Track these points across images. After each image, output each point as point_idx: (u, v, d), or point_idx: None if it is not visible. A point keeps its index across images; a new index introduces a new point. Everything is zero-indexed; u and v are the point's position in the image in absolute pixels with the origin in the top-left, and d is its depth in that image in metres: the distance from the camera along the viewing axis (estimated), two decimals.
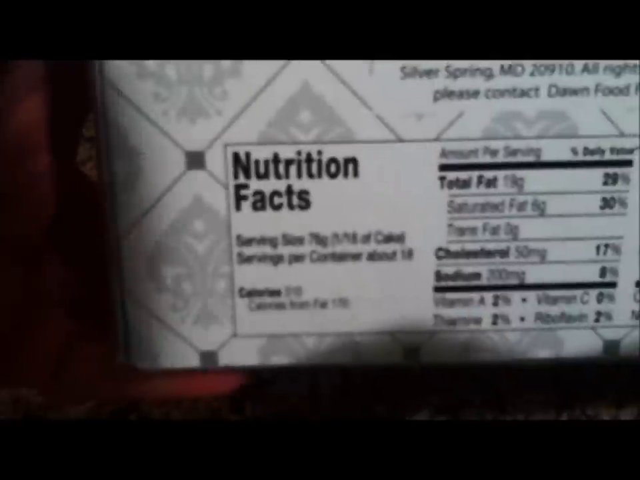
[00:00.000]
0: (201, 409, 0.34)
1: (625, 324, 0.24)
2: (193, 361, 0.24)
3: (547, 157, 0.22)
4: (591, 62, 0.21)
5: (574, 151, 0.22)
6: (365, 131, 0.22)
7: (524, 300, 0.24)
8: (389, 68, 0.21)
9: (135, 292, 0.23)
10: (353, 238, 0.23)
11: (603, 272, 0.23)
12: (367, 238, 0.23)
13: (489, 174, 0.22)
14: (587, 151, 0.22)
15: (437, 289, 0.24)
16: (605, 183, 0.22)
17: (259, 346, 0.24)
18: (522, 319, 0.24)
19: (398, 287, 0.24)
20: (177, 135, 0.21)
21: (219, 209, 0.22)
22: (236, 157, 0.22)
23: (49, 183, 0.23)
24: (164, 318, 0.23)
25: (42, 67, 0.22)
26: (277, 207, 0.23)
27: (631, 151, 0.22)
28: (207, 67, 0.21)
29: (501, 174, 0.22)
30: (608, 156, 0.22)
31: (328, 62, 0.21)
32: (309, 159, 0.22)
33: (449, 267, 0.23)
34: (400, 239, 0.23)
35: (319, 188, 0.22)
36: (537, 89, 0.22)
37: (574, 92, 0.22)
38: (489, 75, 0.21)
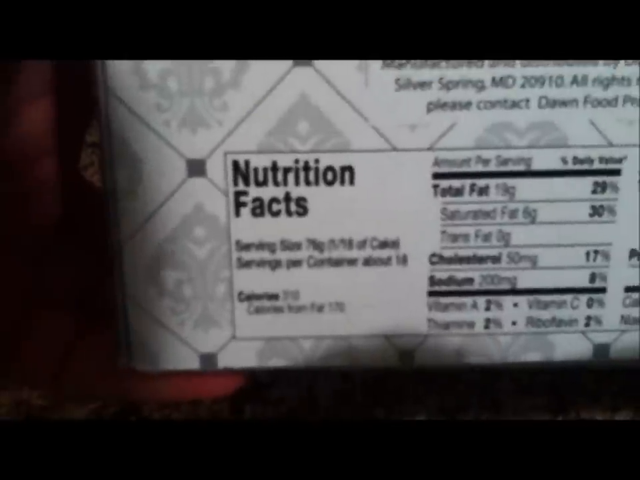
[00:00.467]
0: (201, 412, 0.35)
1: (615, 328, 0.25)
2: (193, 363, 0.24)
3: (537, 166, 0.23)
4: (580, 74, 0.22)
5: (564, 161, 0.23)
6: (361, 141, 0.23)
7: (515, 305, 0.24)
8: (384, 80, 0.22)
9: (136, 295, 0.24)
10: (349, 244, 0.23)
11: (592, 277, 0.24)
12: (362, 244, 0.23)
13: (481, 182, 0.23)
14: (576, 160, 0.23)
15: (431, 294, 0.24)
16: (594, 192, 0.23)
17: (257, 349, 0.24)
18: (514, 323, 0.25)
19: (393, 291, 0.24)
20: (178, 144, 0.22)
21: (219, 215, 0.23)
22: (236, 165, 0.22)
23: (52, 187, 0.23)
24: (165, 321, 0.24)
25: (46, 74, 0.22)
26: (276, 214, 0.23)
27: (619, 161, 0.23)
28: (208, 79, 0.22)
29: (492, 182, 0.23)
30: (597, 165, 0.23)
31: (325, 74, 0.22)
32: (307, 167, 0.23)
33: (443, 272, 0.24)
34: (395, 244, 0.23)
35: (316, 195, 0.23)
36: (527, 101, 0.22)
37: (563, 103, 0.22)
38: (480, 86, 0.22)
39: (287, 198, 0.23)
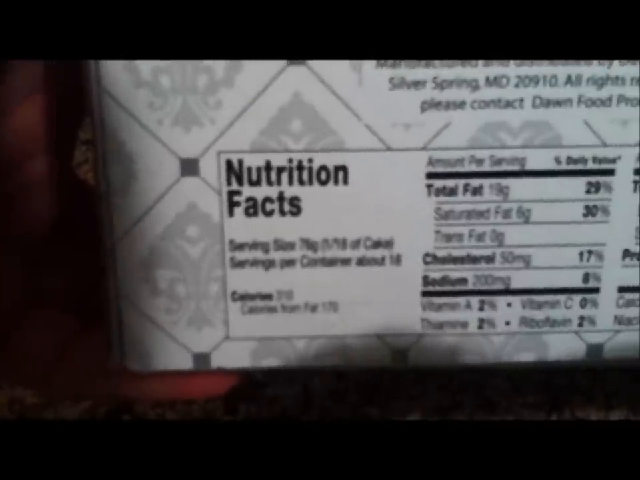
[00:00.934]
0: (195, 411, 0.35)
1: (608, 328, 0.25)
2: (186, 363, 0.24)
3: (531, 165, 0.23)
4: (574, 74, 0.22)
5: (557, 160, 0.23)
6: (355, 140, 0.23)
7: (509, 305, 0.24)
8: (378, 79, 0.22)
9: (129, 294, 0.24)
10: (342, 243, 0.23)
11: (586, 278, 0.24)
12: (356, 243, 0.23)
13: (475, 182, 0.23)
14: (570, 160, 0.23)
15: (425, 294, 0.24)
16: (588, 192, 0.23)
17: (250, 348, 0.24)
18: (507, 323, 0.25)
19: (386, 291, 0.24)
20: (171, 143, 0.22)
21: (212, 215, 0.23)
22: (229, 164, 0.22)
23: (46, 186, 0.23)
24: (158, 320, 0.24)
25: (39, 72, 0.22)
26: (269, 213, 0.23)
27: (613, 161, 0.23)
28: (201, 77, 0.22)
29: (486, 182, 0.23)
30: (590, 165, 0.23)
31: (319, 73, 0.22)
32: (300, 167, 0.23)
33: (436, 272, 0.24)
34: (388, 244, 0.23)
35: (310, 195, 0.23)
36: (521, 100, 0.22)
37: (557, 103, 0.22)
38: (474, 86, 0.22)
39: (281, 197, 0.23)
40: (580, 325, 0.25)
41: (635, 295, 0.25)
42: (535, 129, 0.23)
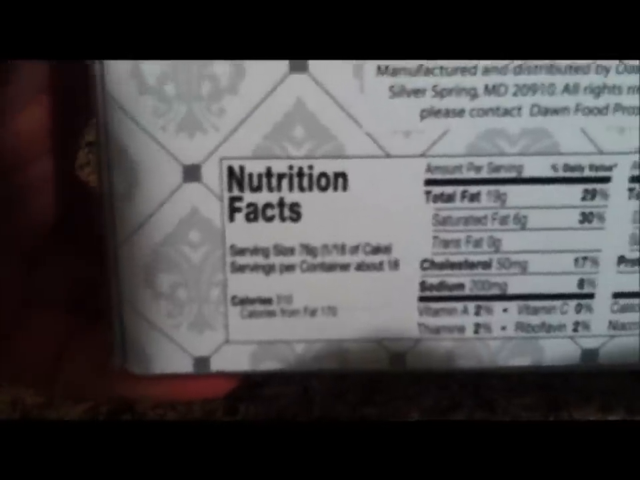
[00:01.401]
0: (195, 412, 0.35)
1: (603, 333, 0.25)
2: (186, 366, 0.25)
3: (528, 173, 0.23)
4: (571, 82, 0.22)
5: (554, 168, 0.23)
6: (355, 147, 0.23)
7: (505, 310, 0.25)
8: (379, 87, 0.22)
9: (131, 298, 0.24)
10: (341, 249, 0.24)
11: (581, 283, 0.24)
12: (355, 249, 0.24)
13: (472, 189, 0.23)
14: (567, 167, 0.23)
15: (422, 299, 0.25)
16: (584, 199, 0.23)
17: (250, 352, 0.25)
18: (503, 328, 0.25)
19: (385, 296, 0.25)
20: (174, 149, 0.22)
21: (214, 220, 0.23)
22: (230, 170, 0.23)
23: (49, 188, 0.24)
24: (159, 324, 0.24)
25: (44, 75, 0.23)
26: (269, 219, 0.24)
27: (609, 168, 0.23)
28: (205, 84, 0.22)
29: (484, 189, 0.23)
30: (587, 173, 0.23)
31: (320, 80, 0.22)
32: (301, 173, 0.23)
33: (434, 278, 0.24)
34: (387, 250, 0.24)
35: (310, 201, 0.23)
36: (519, 108, 0.23)
37: (555, 111, 0.23)
38: (473, 94, 0.22)
39: (281, 203, 0.23)
40: (575, 330, 0.25)
41: (630, 301, 0.25)
42: (533, 137, 0.23)
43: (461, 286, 0.25)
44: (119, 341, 0.24)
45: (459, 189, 0.24)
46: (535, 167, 0.24)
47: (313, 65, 0.23)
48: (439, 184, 0.23)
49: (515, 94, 0.23)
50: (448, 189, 0.24)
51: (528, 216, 0.24)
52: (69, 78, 0.23)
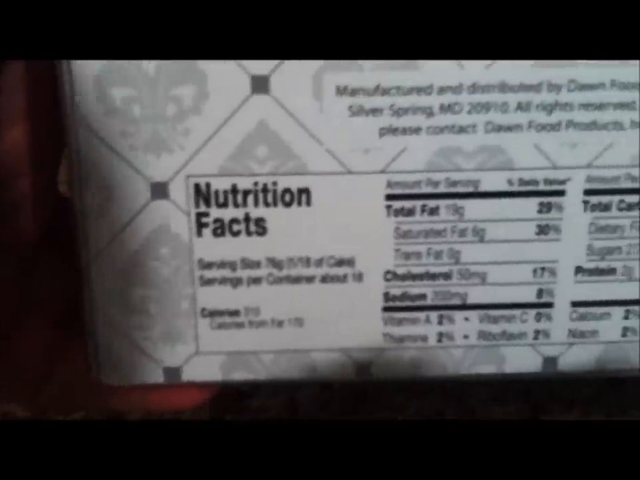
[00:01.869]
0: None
1: (562, 341, 0.26)
2: (158, 377, 0.25)
3: (484, 187, 0.24)
4: (524, 101, 0.23)
5: (510, 182, 0.24)
6: (317, 164, 0.24)
7: (467, 319, 0.26)
8: (338, 107, 0.23)
9: (104, 311, 0.25)
10: (306, 262, 0.25)
11: (539, 293, 0.25)
12: (319, 262, 0.25)
13: (431, 203, 0.24)
14: (522, 182, 0.24)
15: (386, 309, 0.25)
16: (540, 211, 0.24)
17: (220, 363, 0.26)
18: (465, 337, 0.26)
19: (349, 307, 0.25)
20: (142, 168, 0.23)
21: (182, 235, 0.24)
22: (197, 187, 0.24)
23: (32, 203, 0.25)
24: (131, 336, 0.25)
25: (28, 93, 0.23)
26: (236, 234, 0.24)
27: (563, 182, 0.24)
28: (170, 106, 0.23)
29: (442, 203, 0.24)
30: (542, 186, 0.24)
31: (281, 101, 0.23)
32: (265, 189, 0.24)
33: (397, 289, 0.25)
34: (350, 263, 0.25)
35: (275, 216, 0.24)
36: (474, 126, 0.23)
37: (509, 128, 0.23)
38: (429, 113, 0.23)
39: (247, 219, 0.24)
40: (535, 338, 0.26)
41: (588, 310, 0.25)
42: (488, 153, 0.24)
43: (423, 296, 0.25)
44: (93, 352, 0.25)
45: (419, 204, 0.24)
46: (491, 181, 0.24)
47: (274, 86, 0.23)
48: (399, 199, 0.24)
49: (469, 112, 0.23)
50: (408, 204, 0.24)
51: (486, 229, 0.25)
52: (48, 98, 0.23)
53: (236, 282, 0.25)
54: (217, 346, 0.26)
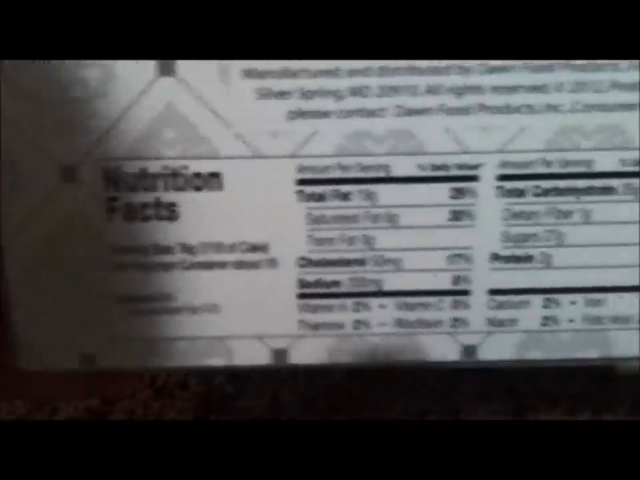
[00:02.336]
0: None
1: (481, 330, 0.26)
2: (73, 363, 0.25)
3: (396, 172, 0.24)
4: (433, 83, 0.23)
5: (421, 167, 0.24)
6: (226, 148, 0.24)
7: (382, 306, 0.25)
8: (245, 89, 0.23)
9: (18, 295, 0.25)
10: (219, 247, 0.24)
11: (455, 280, 0.25)
12: (232, 247, 0.24)
13: (343, 188, 0.24)
14: (433, 167, 0.24)
15: (301, 296, 0.25)
16: (453, 197, 0.24)
17: (135, 349, 0.26)
18: (382, 324, 0.26)
19: (264, 293, 0.25)
20: (51, 152, 0.23)
21: (94, 220, 0.24)
22: (106, 171, 0.24)
23: None
24: (46, 322, 0.25)
25: None
26: (147, 218, 0.24)
27: (475, 167, 0.24)
28: (76, 89, 0.23)
29: (354, 188, 0.24)
30: (454, 172, 0.24)
31: (188, 84, 0.23)
32: (175, 174, 0.24)
33: (311, 275, 0.25)
34: (264, 248, 0.24)
35: (186, 200, 0.24)
36: (383, 110, 0.23)
37: (419, 112, 0.23)
38: (338, 96, 0.23)
39: (157, 203, 0.24)
40: (453, 326, 0.26)
41: (506, 298, 0.25)
42: (399, 137, 0.24)
43: (337, 283, 0.25)
44: (10, 337, 0.25)
45: (330, 189, 0.24)
46: (402, 166, 0.24)
47: (181, 68, 0.23)
48: (310, 184, 0.24)
49: (378, 95, 0.23)
50: (319, 189, 0.24)
51: (399, 214, 0.25)
52: None
53: (149, 267, 0.25)
54: (132, 332, 0.26)
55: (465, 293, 0.25)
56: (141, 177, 0.24)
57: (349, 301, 0.26)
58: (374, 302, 0.26)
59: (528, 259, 0.25)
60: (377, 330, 0.26)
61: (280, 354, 0.26)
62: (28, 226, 0.24)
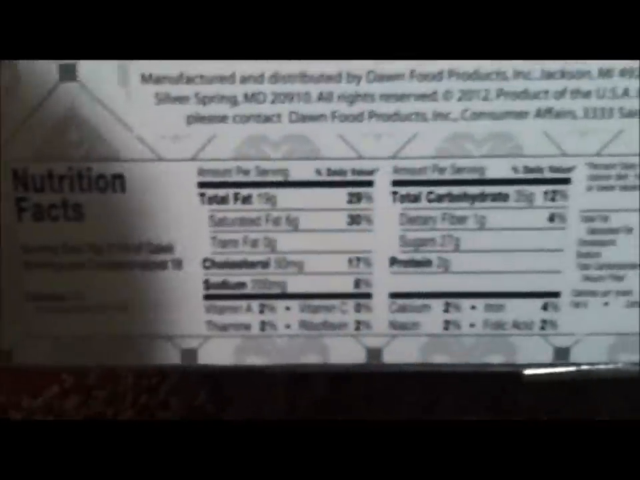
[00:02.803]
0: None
1: (385, 333, 0.26)
2: None
3: (294, 176, 0.25)
4: (325, 91, 0.24)
5: (318, 172, 0.24)
6: (128, 151, 0.25)
7: (288, 308, 0.26)
8: (144, 94, 0.24)
9: None
10: (125, 248, 0.25)
11: (357, 283, 0.26)
12: (138, 248, 0.25)
13: (243, 191, 0.25)
14: (330, 171, 0.25)
15: (207, 297, 0.26)
16: (350, 202, 0.25)
17: (49, 347, 0.27)
18: (287, 326, 0.26)
19: (171, 294, 0.26)
20: None
21: (5, 220, 0.25)
22: (15, 172, 0.24)
23: None
24: None
25: None
26: (55, 219, 0.25)
27: (370, 172, 0.24)
28: None
29: (254, 192, 0.25)
30: (350, 177, 0.24)
31: (90, 88, 0.24)
32: (80, 175, 0.25)
33: (216, 277, 0.26)
34: (169, 249, 0.25)
35: (91, 201, 0.25)
36: (279, 115, 0.24)
37: (313, 118, 0.24)
38: (234, 102, 0.24)
39: (64, 204, 0.25)
40: (357, 329, 0.26)
41: (407, 301, 0.26)
42: (294, 143, 0.24)
43: (242, 285, 0.26)
44: None
45: (231, 192, 0.25)
46: (300, 171, 0.25)
47: (82, 73, 0.24)
48: (211, 186, 0.25)
49: (273, 102, 0.24)
50: (221, 192, 0.25)
51: (299, 218, 0.25)
52: None
53: (59, 267, 0.26)
54: (45, 330, 0.27)
55: (367, 296, 0.26)
56: (47, 178, 0.24)
57: (255, 303, 0.26)
58: (279, 304, 0.26)
59: (426, 263, 0.25)
60: (283, 332, 0.26)
61: (189, 354, 0.26)
62: None
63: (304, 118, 0.24)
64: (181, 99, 0.24)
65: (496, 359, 0.26)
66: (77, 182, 0.25)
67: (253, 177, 0.24)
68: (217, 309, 0.26)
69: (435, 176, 0.24)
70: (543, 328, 0.26)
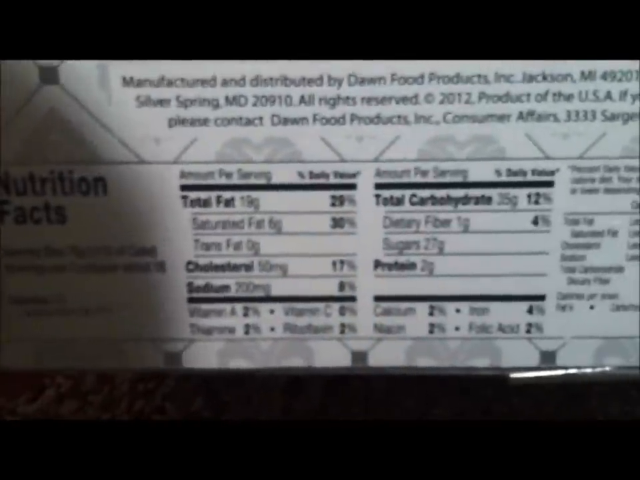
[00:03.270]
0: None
1: (370, 336, 0.26)
2: None
3: (276, 179, 0.24)
4: (306, 94, 0.24)
5: (300, 175, 0.24)
6: (110, 154, 0.25)
7: (272, 311, 0.26)
8: (125, 97, 0.24)
9: None
10: (108, 250, 0.25)
11: (341, 286, 0.26)
12: (121, 251, 0.25)
13: (226, 194, 0.25)
14: (312, 174, 0.24)
15: (191, 300, 0.26)
16: (333, 204, 0.25)
17: (32, 350, 0.26)
18: (272, 329, 0.26)
19: (155, 297, 0.26)
20: None
21: None
22: None
23: None
24: None
25: None
26: (37, 221, 0.25)
27: (353, 175, 0.24)
28: None
29: (237, 194, 0.25)
30: (332, 180, 0.24)
31: (71, 91, 0.24)
32: (62, 178, 0.24)
33: (200, 280, 0.26)
34: (152, 252, 0.25)
35: (73, 204, 0.25)
36: (260, 118, 0.24)
37: (294, 121, 0.24)
38: (215, 105, 0.24)
39: (47, 207, 0.25)
40: (342, 332, 0.26)
41: (392, 305, 0.26)
42: (277, 145, 0.24)
43: (226, 288, 0.26)
44: None
45: (213, 194, 0.25)
46: (282, 174, 0.25)
47: (63, 76, 0.24)
48: (194, 189, 0.25)
49: (254, 104, 0.24)
50: (203, 195, 0.25)
51: (282, 220, 0.25)
52: None
53: (41, 270, 0.26)
54: (27, 333, 0.27)
55: (351, 299, 0.26)
56: (29, 181, 0.24)
57: (239, 306, 0.26)
58: (263, 307, 0.26)
59: (411, 266, 0.25)
60: (267, 335, 0.26)
61: (173, 357, 0.26)
62: None
63: (286, 121, 0.24)
64: (163, 102, 0.23)
65: (481, 362, 0.26)
66: (58, 185, 0.24)
67: (235, 180, 0.24)
68: (201, 312, 0.25)
69: (418, 179, 0.24)
70: (528, 331, 0.26)
